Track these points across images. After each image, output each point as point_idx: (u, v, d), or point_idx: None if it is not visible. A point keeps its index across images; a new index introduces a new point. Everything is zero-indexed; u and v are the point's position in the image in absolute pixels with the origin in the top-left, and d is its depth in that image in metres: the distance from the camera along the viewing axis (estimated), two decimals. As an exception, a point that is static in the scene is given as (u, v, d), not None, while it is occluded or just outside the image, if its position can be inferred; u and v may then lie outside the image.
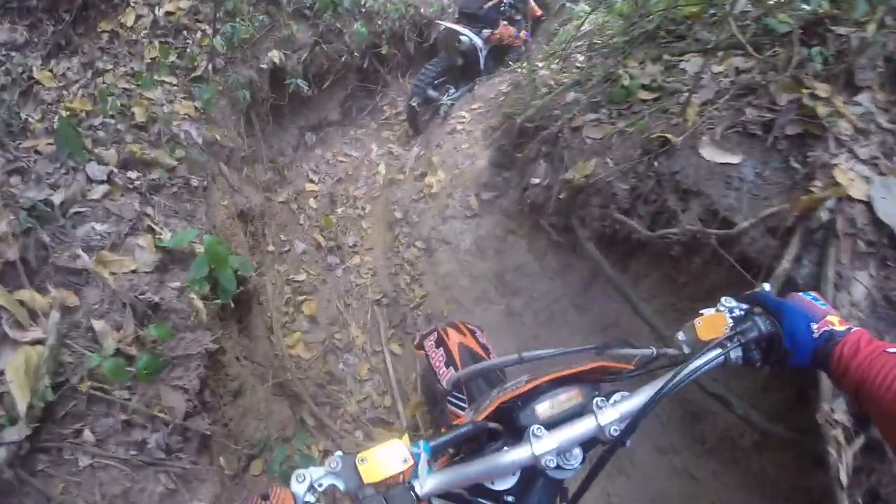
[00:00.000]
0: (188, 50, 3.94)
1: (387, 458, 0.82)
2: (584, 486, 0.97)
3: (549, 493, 1.01)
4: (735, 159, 2.50)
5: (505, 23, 6.46)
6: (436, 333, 2.02)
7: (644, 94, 3.10)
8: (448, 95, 5.96)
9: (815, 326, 0.95)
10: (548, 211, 3.28)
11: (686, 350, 1.06)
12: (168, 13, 4.12)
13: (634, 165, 2.75)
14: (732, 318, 1.05)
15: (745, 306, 1.07)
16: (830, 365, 0.93)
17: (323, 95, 5.69)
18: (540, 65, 6.07)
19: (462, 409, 1.73)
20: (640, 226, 2.74)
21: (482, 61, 6.12)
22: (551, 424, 0.94)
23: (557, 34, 7.17)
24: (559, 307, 3.45)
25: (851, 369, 0.88)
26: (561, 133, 3.40)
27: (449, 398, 1.76)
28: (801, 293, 1.05)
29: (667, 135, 2.65)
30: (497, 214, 4.19)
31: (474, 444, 1.04)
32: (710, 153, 2.55)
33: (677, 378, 0.93)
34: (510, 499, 0.99)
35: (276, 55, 4.54)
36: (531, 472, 1.00)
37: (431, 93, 5.82)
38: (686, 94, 2.76)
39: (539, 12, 6.99)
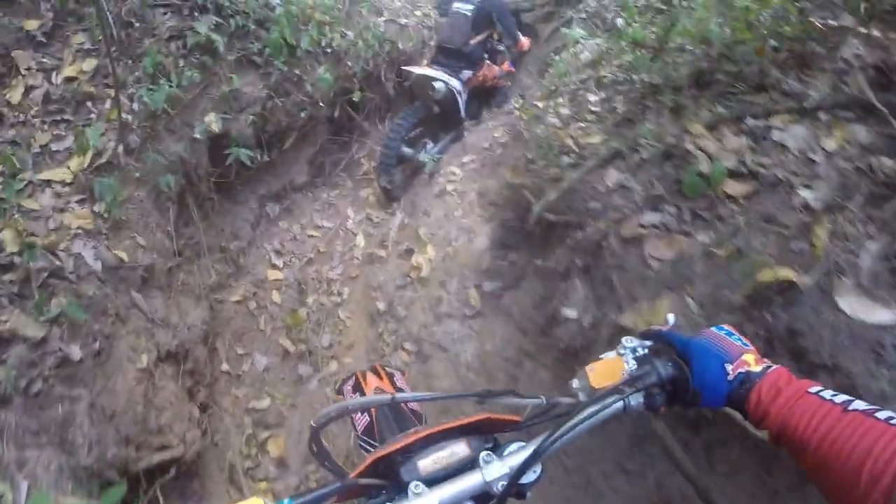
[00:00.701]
0: (90, 127, 2.96)
1: None
2: None
3: None
4: (891, 318, 1.56)
5: (488, 62, 5.65)
6: (353, 379, 1.91)
7: (732, 187, 2.12)
8: (426, 151, 5.16)
9: (729, 368, 0.89)
10: (589, 359, 2.31)
11: (581, 398, 1.00)
12: (68, 79, 3.16)
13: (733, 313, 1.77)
14: (635, 358, 1.00)
15: (647, 343, 1.02)
16: (747, 408, 0.87)
17: (286, 156, 4.73)
18: (540, 104, 5.17)
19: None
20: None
21: (462, 108, 5.33)
22: (434, 480, 0.88)
23: (554, 64, 6.29)
24: (599, 470, 2.48)
25: (772, 414, 0.83)
26: (606, 242, 2.41)
27: (360, 443, 1.70)
28: (714, 328, 0.98)
29: (789, 276, 1.68)
30: (505, 319, 3.23)
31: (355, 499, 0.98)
32: (853, 306, 1.61)
33: (565, 427, 0.88)
34: None
35: (214, 119, 3.56)
36: None
37: (406, 150, 5.00)
38: (799, 191, 1.81)
39: (527, 46, 6.09)
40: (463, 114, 5.37)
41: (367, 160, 5.76)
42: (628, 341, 1.03)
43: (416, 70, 4.90)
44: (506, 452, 0.92)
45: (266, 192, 4.65)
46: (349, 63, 4.93)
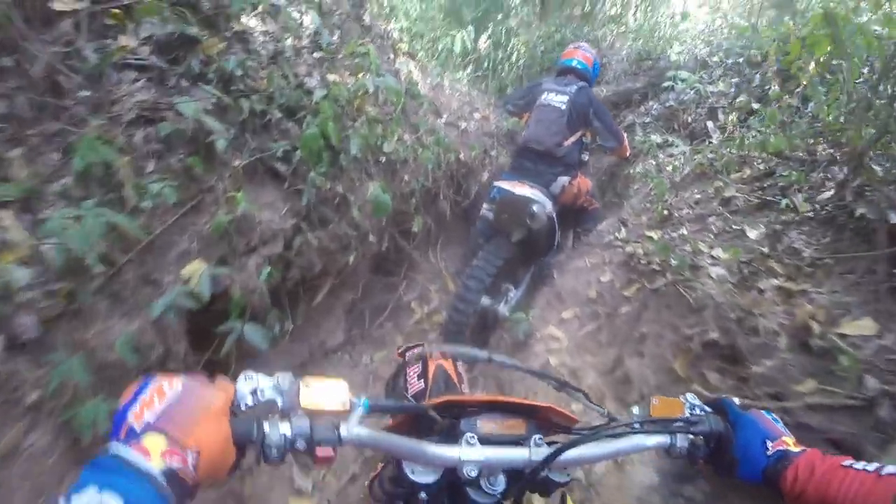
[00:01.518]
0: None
1: (327, 392, 0.83)
2: None
3: None
4: None
5: (579, 166, 4.29)
6: (421, 348, 1.79)
7: None
8: (507, 301, 3.80)
9: (770, 444, 0.93)
10: None
11: (637, 426, 1.02)
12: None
13: None
14: (691, 412, 1.03)
15: (706, 409, 1.04)
16: (783, 486, 0.89)
17: (316, 311, 3.14)
18: (654, 236, 3.72)
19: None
20: None
21: (558, 236, 3.99)
22: (487, 441, 0.94)
23: (649, 179, 4.91)
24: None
25: (809, 490, 0.85)
26: None
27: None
28: (763, 411, 1.01)
29: None
30: None
31: (412, 428, 1.03)
32: None
33: (617, 446, 0.95)
34: (423, 496, 0.96)
35: (199, 274, 2.00)
36: (453, 483, 0.96)
37: (485, 302, 3.63)
38: None
39: (629, 150, 4.76)
40: (557, 243, 4.01)
41: (418, 305, 4.19)
42: (692, 398, 1.05)
43: (514, 189, 3.53)
44: (551, 443, 0.96)
45: (285, 365, 3.01)
46: (406, 177, 3.48)
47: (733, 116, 4.79)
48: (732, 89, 5.40)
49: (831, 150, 3.57)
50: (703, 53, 6.32)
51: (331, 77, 2.96)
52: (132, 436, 0.67)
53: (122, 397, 0.72)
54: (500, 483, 0.93)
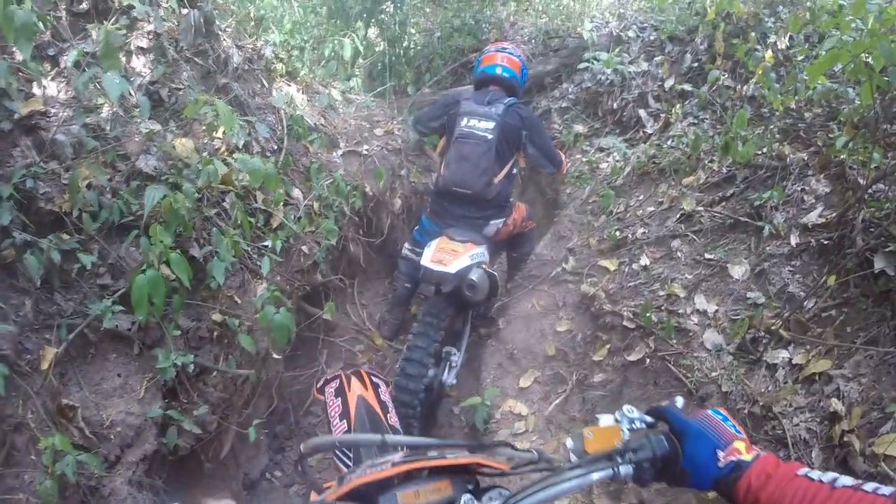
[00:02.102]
0: None
1: None
2: None
3: None
4: None
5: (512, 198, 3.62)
6: (338, 381, 1.81)
7: None
8: (450, 367, 3.09)
9: (720, 454, 0.89)
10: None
11: (573, 459, 0.98)
12: None
13: None
14: (630, 429, 0.98)
15: (648, 420, 1.00)
16: (736, 496, 0.87)
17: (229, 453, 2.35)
18: (609, 266, 3.14)
19: (347, 466, 1.59)
20: None
21: (499, 285, 3.24)
22: None
23: (580, 180, 4.33)
24: None
25: (762, 500, 0.83)
26: None
27: (335, 452, 1.61)
28: (710, 410, 0.97)
29: None
30: None
31: None
32: None
33: (547, 482, 0.89)
34: None
35: None
36: None
37: (430, 375, 2.89)
38: None
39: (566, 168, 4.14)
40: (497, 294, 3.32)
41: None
42: (629, 411, 1.00)
43: (443, 268, 2.82)
44: (485, 498, 0.93)
45: None
46: (304, 249, 2.68)
47: (677, 108, 4.23)
48: (660, 70, 4.86)
49: (801, 155, 3.07)
50: (616, 28, 5.74)
51: (179, 146, 2.10)
52: None
53: None
54: None
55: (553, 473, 0.91)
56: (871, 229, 2.38)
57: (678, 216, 3.40)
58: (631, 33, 5.55)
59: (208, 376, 1.99)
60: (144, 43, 2.43)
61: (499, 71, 3.51)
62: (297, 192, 2.82)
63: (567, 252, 3.71)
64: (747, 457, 0.87)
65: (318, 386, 1.86)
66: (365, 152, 3.89)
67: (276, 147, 2.82)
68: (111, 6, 2.34)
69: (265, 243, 2.35)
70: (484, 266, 3.00)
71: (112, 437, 1.66)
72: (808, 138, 3.24)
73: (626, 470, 0.91)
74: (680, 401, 1.02)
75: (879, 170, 2.42)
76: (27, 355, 1.58)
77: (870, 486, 0.74)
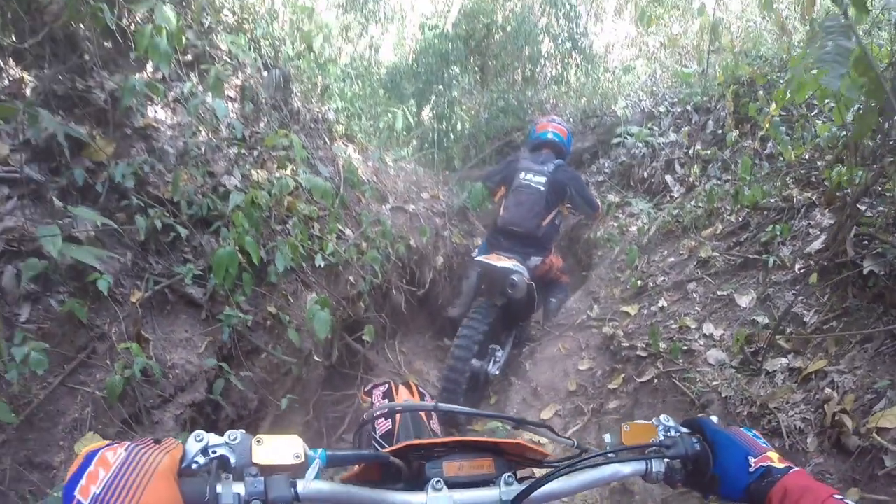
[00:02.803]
0: None
1: (281, 447, 0.80)
2: None
3: None
4: None
5: (552, 244, 4.30)
6: (386, 386, 1.86)
7: None
8: (495, 361, 3.83)
9: (752, 460, 0.89)
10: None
11: (611, 456, 0.98)
12: None
13: None
14: (666, 435, 0.99)
15: (682, 429, 1.01)
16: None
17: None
18: (631, 311, 3.43)
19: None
20: None
21: (536, 300, 4.02)
22: (454, 484, 0.90)
23: (617, 246, 4.67)
24: None
25: None
26: None
27: (376, 446, 1.59)
28: (742, 428, 0.98)
29: None
30: None
31: (377, 477, 1.03)
32: None
33: (591, 477, 0.93)
34: None
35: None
36: None
37: (475, 364, 3.62)
38: None
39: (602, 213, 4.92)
40: (535, 305, 4.08)
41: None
42: (665, 419, 1.02)
43: (494, 262, 3.61)
44: (522, 481, 0.94)
45: None
46: (352, 279, 3.12)
47: (696, 168, 4.61)
48: (685, 139, 5.28)
49: (808, 195, 3.37)
50: (649, 105, 6.25)
51: (255, 174, 2.63)
52: None
53: (69, 472, 0.68)
54: None
55: (587, 460, 0.94)
56: (865, 241, 2.63)
57: (695, 263, 3.69)
58: (662, 108, 6.04)
59: (257, 357, 2.39)
60: (233, 93, 3.04)
61: (550, 136, 4.28)
62: (349, 232, 3.30)
63: (592, 301, 4.03)
64: (780, 465, 0.88)
65: (367, 389, 1.96)
66: (412, 210, 4.40)
67: (334, 192, 3.34)
68: (211, 59, 2.98)
69: (321, 263, 2.80)
70: (525, 276, 3.62)
71: (171, 377, 2.04)
72: (819, 182, 3.55)
73: (658, 466, 0.95)
74: (714, 418, 1.06)
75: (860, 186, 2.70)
76: (121, 288, 2.04)
77: None
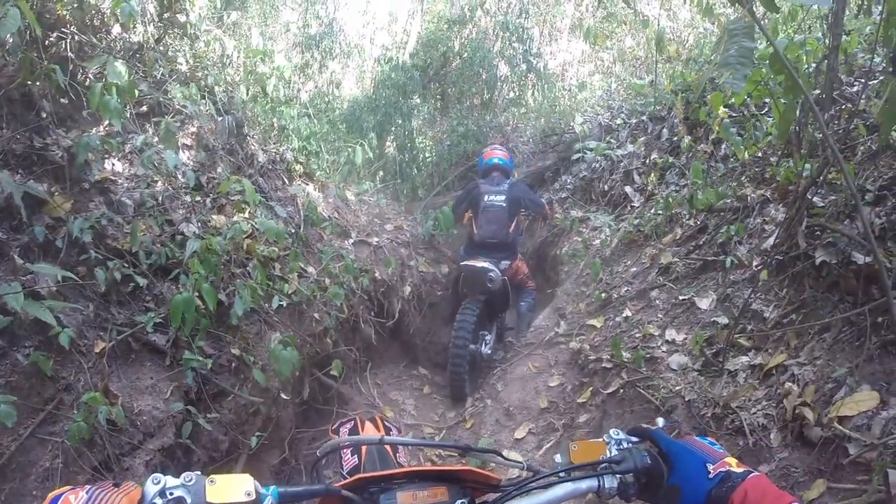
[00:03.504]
0: None
1: (233, 486, 0.84)
2: None
3: None
4: None
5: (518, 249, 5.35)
6: (352, 422, 1.95)
7: None
8: (486, 343, 4.73)
9: (711, 467, 0.91)
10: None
11: (561, 475, 1.01)
12: None
13: None
14: (618, 449, 1.02)
15: (633, 440, 1.05)
16: None
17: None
18: (596, 324, 3.55)
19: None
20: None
21: (510, 294, 4.95)
22: None
23: (582, 260, 4.80)
24: None
25: None
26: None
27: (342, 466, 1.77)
28: (696, 436, 1.01)
29: None
30: None
31: None
32: None
33: (546, 497, 0.95)
34: None
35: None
36: None
37: (472, 348, 4.42)
38: None
39: (551, 212, 5.71)
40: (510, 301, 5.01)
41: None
42: (615, 433, 1.05)
43: (475, 263, 4.57)
44: None
45: None
46: (316, 315, 3.19)
47: (653, 176, 4.78)
48: (641, 149, 5.47)
49: (762, 192, 3.52)
50: (606, 119, 6.46)
51: (214, 219, 2.72)
52: None
53: None
54: None
55: (541, 483, 0.97)
56: (817, 232, 2.73)
57: (657, 270, 3.83)
58: (619, 121, 6.25)
59: (224, 399, 2.45)
60: (189, 141, 3.13)
61: (496, 161, 5.35)
62: (311, 269, 3.39)
63: (559, 318, 4.14)
64: (738, 469, 0.89)
65: (333, 427, 2.00)
66: (375, 243, 4.51)
67: (293, 231, 3.43)
68: (165, 110, 3.07)
69: (280, 303, 2.87)
70: (499, 274, 4.52)
71: (138, 423, 2.10)
72: (772, 178, 3.68)
73: (610, 482, 0.97)
74: (661, 422, 1.10)
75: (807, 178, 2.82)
76: (85, 340, 2.10)
77: None
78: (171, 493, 0.80)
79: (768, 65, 2.25)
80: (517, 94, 7.51)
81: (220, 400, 2.45)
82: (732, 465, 0.91)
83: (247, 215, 2.92)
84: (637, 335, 3.31)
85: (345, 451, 1.80)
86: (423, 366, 5.00)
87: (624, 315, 3.61)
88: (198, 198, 2.84)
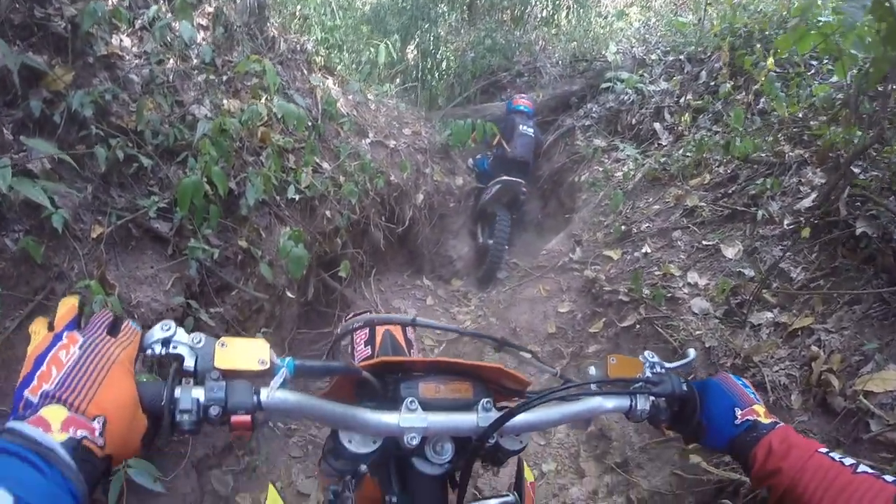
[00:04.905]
0: None
1: (246, 351, 0.74)
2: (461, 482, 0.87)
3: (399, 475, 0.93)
4: None
5: None
6: (368, 314, 1.64)
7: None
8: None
9: (738, 412, 0.85)
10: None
11: (592, 387, 0.93)
12: None
13: None
14: (653, 372, 0.94)
15: (667, 365, 0.96)
16: (753, 460, 0.81)
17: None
18: (613, 255, 3.31)
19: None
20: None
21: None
22: (430, 406, 0.83)
23: (603, 191, 4.50)
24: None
25: (784, 470, 0.78)
26: None
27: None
28: (732, 375, 0.92)
29: None
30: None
31: (350, 394, 0.94)
32: None
33: (572, 409, 0.88)
34: (363, 468, 0.88)
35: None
36: (396, 453, 0.89)
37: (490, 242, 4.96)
38: None
39: None
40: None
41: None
42: (650, 356, 0.96)
43: (511, 178, 5.09)
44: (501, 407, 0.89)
45: (202, 458, 2.37)
46: (328, 213, 2.91)
47: (686, 117, 4.41)
48: (676, 88, 5.06)
49: (800, 152, 3.21)
50: (641, 52, 5.98)
51: (227, 103, 2.38)
52: (29, 409, 0.58)
53: (22, 371, 0.62)
54: (448, 452, 0.85)
55: (571, 392, 0.89)
56: (858, 202, 2.50)
57: (681, 212, 3.55)
58: (654, 56, 5.78)
59: (227, 294, 2.22)
60: (205, 21, 2.75)
61: (522, 108, 5.72)
62: (326, 165, 3.08)
63: (574, 244, 3.89)
64: (765, 420, 0.84)
65: (348, 318, 1.88)
66: (392, 146, 4.16)
67: (310, 124, 3.09)
68: None
69: (293, 196, 2.59)
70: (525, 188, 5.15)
71: (136, 316, 1.87)
72: (811, 141, 3.40)
73: (643, 404, 0.90)
74: (692, 353, 1.02)
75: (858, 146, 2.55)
76: (81, 224, 1.84)
77: (890, 477, 0.71)
78: (174, 347, 0.71)
79: (870, 10, 1.92)
80: (551, 13, 6.94)
81: (223, 295, 2.20)
82: (760, 413, 0.84)
83: (263, 101, 2.58)
84: (657, 273, 3.07)
85: (358, 341, 1.69)
86: (427, 277, 4.78)
87: (643, 251, 3.36)
88: (212, 76, 2.48)
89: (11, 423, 0.55)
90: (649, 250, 3.33)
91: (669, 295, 2.78)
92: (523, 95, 6.00)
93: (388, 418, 0.81)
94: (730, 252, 2.95)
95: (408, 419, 0.81)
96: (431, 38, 6.10)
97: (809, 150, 3.27)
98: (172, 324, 0.71)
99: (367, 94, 4.25)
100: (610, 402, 0.89)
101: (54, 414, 0.56)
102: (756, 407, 0.85)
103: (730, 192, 3.46)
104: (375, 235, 3.88)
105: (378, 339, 1.68)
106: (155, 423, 0.67)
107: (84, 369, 0.61)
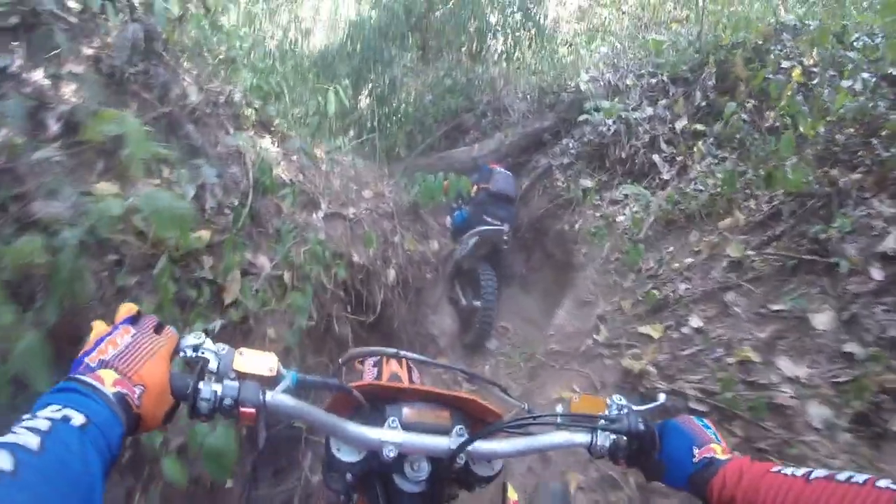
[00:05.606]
0: None
1: (259, 360, 0.86)
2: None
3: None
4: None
5: None
6: (378, 357, 1.73)
7: None
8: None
9: (696, 451, 0.87)
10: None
11: (558, 420, 0.99)
12: None
13: None
14: (617, 412, 0.98)
15: (633, 407, 0.99)
16: (710, 493, 0.83)
17: None
18: (654, 334, 2.47)
19: None
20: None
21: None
22: (411, 428, 0.93)
23: (596, 237, 3.68)
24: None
25: (738, 496, 0.78)
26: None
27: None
28: (693, 417, 0.95)
29: None
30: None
31: (346, 412, 0.99)
32: None
33: (538, 441, 0.93)
34: (350, 477, 0.97)
35: None
36: (380, 469, 0.94)
37: (477, 304, 4.35)
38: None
39: None
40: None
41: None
42: (618, 398, 1.01)
43: (489, 227, 4.42)
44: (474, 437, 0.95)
45: None
46: (271, 332, 1.99)
47: (698, 145, 3.65)
48: (666, 112, 4.34)
49: (856, 176, 2.47)
50: (614, 78, 5.28)
51: (101, 189, 1.46)
52: (88, 371, 0.71)
53: (85, 346, 0.75)
54: (423, 470, 0.91)
55: (535, 423, 0.93)
56: None
57: (724, 265, 2.74)
58: (629, 81, 5.08)
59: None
60: (81, 68, 1.84)
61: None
62: (261, 260, 2.16)
63: (597, 320, 3.02)
64: (722, 456, 0.84)
65: (342, 360, 1.67)
66: (352, 215, 3.27)
67: (238, 202, 2.18)
68: (42, 21, 1.76)
69: (210, 325, 1.66)
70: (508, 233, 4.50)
71: None
72: (850, 160, 2.68)
73: (603, 440, 0.92)
74: (662, 397, 1.01)
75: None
76: None
77: (843, 475, 0.68)
78: (202, 353, 0.82)
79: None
80: (510, 46, 6.24)
81: None
82: (718, 451, 0.85)
83: (158, 180, 1.66)
84: (726, 359, 2.23)
85: (368, 366, 1.71)
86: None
87: (693, 324, 2.52)
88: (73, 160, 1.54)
89: (76, 374, 0.69)
90: (700, 323, 2.50)
91: (767, 399, 1.92)
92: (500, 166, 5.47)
93: (370, 432, 0.88)
94: (819, 322, 2.13)
95: (387, 434, 0.88)
96: (386, 82, 5.29)
97: (856, 172, 2.55)
98: (203, 334, 0.84)
99: (316, 152, 3.36)
100: (572, 437, 0.92)
101: (108, 375, 0.70)
102: (714, 445, 0.86)
103: (777, 233, 2.68)
104: (341, 332, 2.95)
105: (384, 377, 1.65)
106: (176, 405, 0.79)
107: (134, 351, 0.75)
